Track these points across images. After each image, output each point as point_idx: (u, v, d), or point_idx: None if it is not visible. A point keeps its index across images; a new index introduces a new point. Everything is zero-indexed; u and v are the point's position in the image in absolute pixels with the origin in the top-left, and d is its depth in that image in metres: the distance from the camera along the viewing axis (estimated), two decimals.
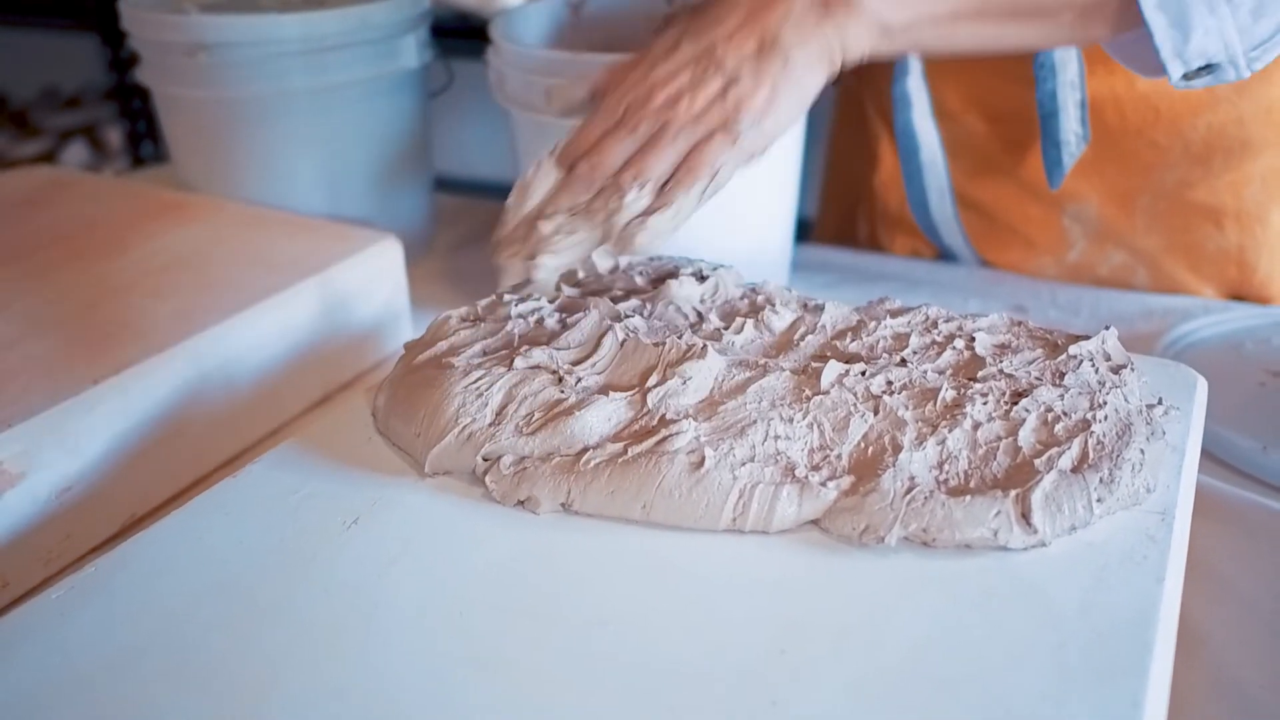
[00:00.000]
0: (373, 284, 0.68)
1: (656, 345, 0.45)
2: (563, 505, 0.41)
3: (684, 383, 0.44)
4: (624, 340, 0.46)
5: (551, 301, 0.51)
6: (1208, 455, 0.58)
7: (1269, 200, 0.73)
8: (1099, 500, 0.39)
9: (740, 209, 0.69)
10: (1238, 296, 0.76)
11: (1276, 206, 0.73)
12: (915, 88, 0.76)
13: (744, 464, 0.40)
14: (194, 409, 0.57)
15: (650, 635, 0.36)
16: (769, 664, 0.34)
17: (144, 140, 1.92)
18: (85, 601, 0.38)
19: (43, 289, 0.62)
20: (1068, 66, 0.69)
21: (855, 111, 0.88)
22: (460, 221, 0.93)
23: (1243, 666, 0.43)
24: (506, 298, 0.51)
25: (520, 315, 0.49)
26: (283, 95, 0.75)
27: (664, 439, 0.41)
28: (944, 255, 0.83)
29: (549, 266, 0.48)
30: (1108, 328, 0.49)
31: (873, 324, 0.50)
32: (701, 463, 0.40)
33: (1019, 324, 0.50)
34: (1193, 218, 0.74)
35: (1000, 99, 0.76)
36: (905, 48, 0.52)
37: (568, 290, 0.55)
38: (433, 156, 0.87)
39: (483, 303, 0.51)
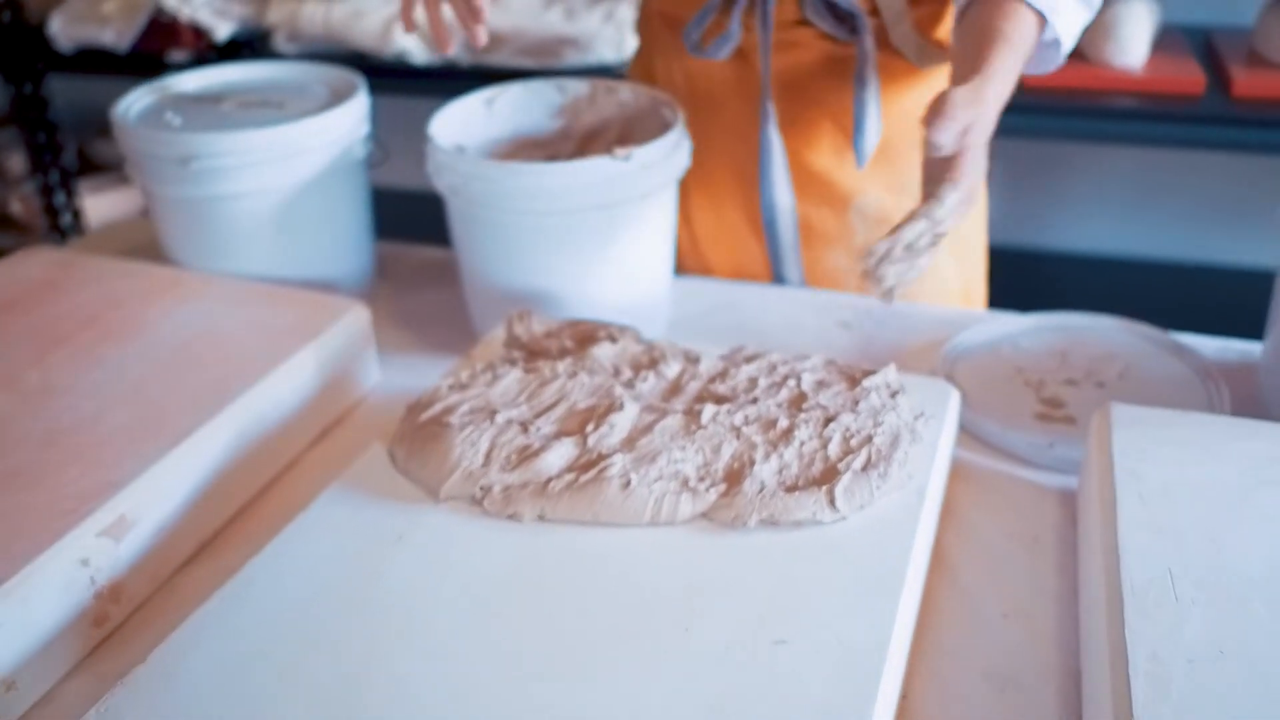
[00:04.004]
0: (351, 343, 0.88)
1: (590, 407, 0.67)
2: (539, 516, 0.63)
3: (611, 429, 0.65)
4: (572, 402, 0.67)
5: (510, 364, 0.72)
6: (970, 435, 0.82)
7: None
8: (878, 488, 0.63)
9: (631, 268, 0.91)
10: (961, 261, 1.05)
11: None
12: (771, 108, 0.98)
13: (656, 481, 0.62)
14: (238, 456, 0.76)
15: (602, 594, 0.58)
16: (681, 606, 0.57)
17: (51, 169, 2.02)
18: (235, 608, 0.58)
19: (96, 370, 0.80)
20: (871, 81, 0.93)
21: None
22: (397, 269, 1.12)
23: (977, 583, 0.68)
24: (480, 369, 0.72)
25: (495, 379, 0.70)
26: (257, 192, 0.92)
27: (603, 469, 0.63)
28: (771, 260, 1.05)
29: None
30: (889, 365, 0.72)
31: (734, 370, 0.72)
32: (629, 484, 0.62)
33: (832, 363, 0.73)
34: None
35: (817, 118, 0.99)
36: None
37: (516, 353, 0.76)
38: (374, 220, 1.06)
39: (464, 374, 0.72)
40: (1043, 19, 0.77)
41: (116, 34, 1.79)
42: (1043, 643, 0.64)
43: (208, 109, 1.00)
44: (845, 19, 0.91)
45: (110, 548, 0.66)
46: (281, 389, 0.80)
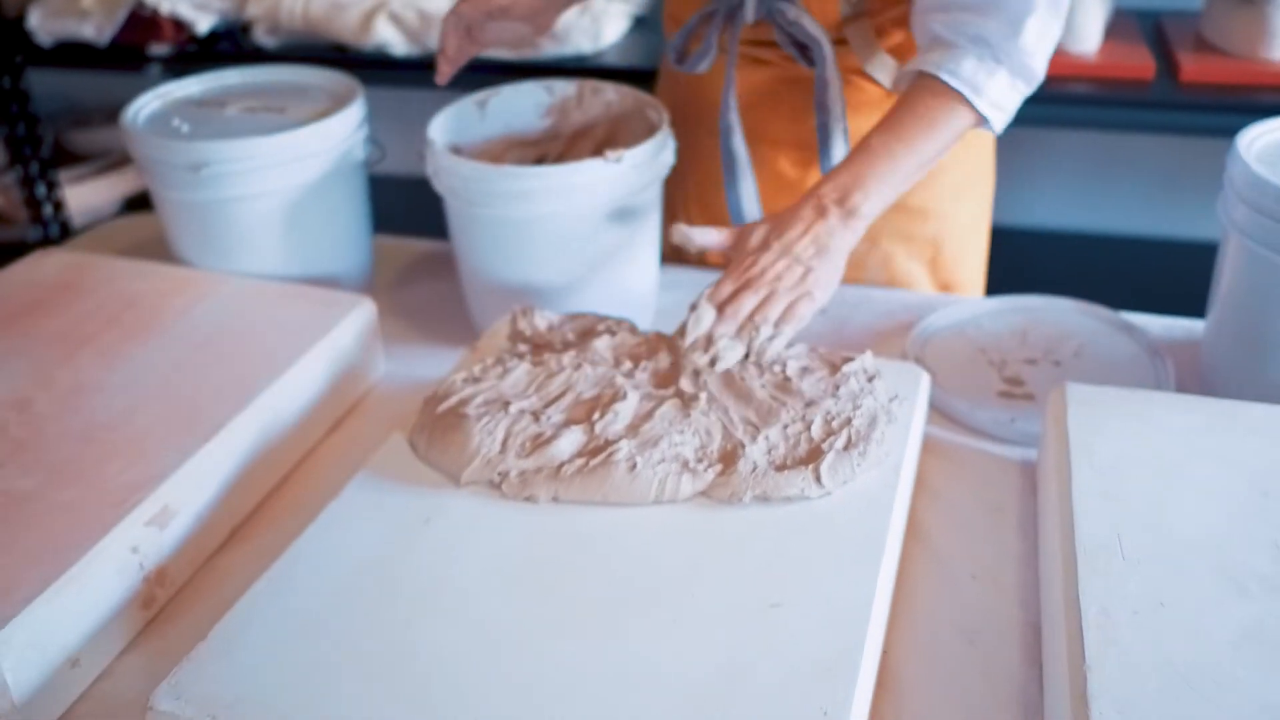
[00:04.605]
0: (359, 337, 0.93)
1: (595, 396, 0.73)
2: (554, 498, 0.69)
3: (615, 416, 0.72)
4: (579, 392, 0.74)
5: (518, 357, 0.78)
6: (940, 412, 0.89)
7: (954, 203, 1.07)
8: (858, 465, 0.69)
9: (621, 261, 0.96)
10: (934, 270, 1.09)
11: (958, 206, 1.07)
12: (734, 120, 1.04)
13: (659, 463, 0.69)
14: (263, 446, 0.82)
15: (613, 566, 0.64)
16: (685, 575, 0.63)
17: (31, 161, 2.04)
18: (284, 587, 0.64)
19: (123, 368, 0.85)
20: (835, 106, 0.98)
21: None
22: (393, 260, 1.17)
23: (948, 548, 0.75)
24: (490, 363, 0.78)
25: (505, 372, 0.76)
26: (264, 194, 0.97)
27: (610, 454, 0.69)
28: None
29: (727, 364, 0.76)
30: (866, 352, 0.79)
31: None
32: (634, 466, 0.68)
33: (814, 351, 0.80)
34: (908, 214, 1.06)
35: (789, 133, 1.05)
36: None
37: (521, 347, 0.82)
38: (372, 215, 1.11)
39: (476, 368, 0.78)
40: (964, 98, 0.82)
41: (96, 28, 1.81)
42: (1007, 600, 0.71)
43: (212, 114, 1.04)
44: (806, 49, 0.96)
45: (156, 536, 0.71)
46: (300, 383, 0.86)
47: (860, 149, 0.84)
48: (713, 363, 0.75)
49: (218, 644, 0.60)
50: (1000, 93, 0.83)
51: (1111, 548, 0.64)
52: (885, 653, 0.66)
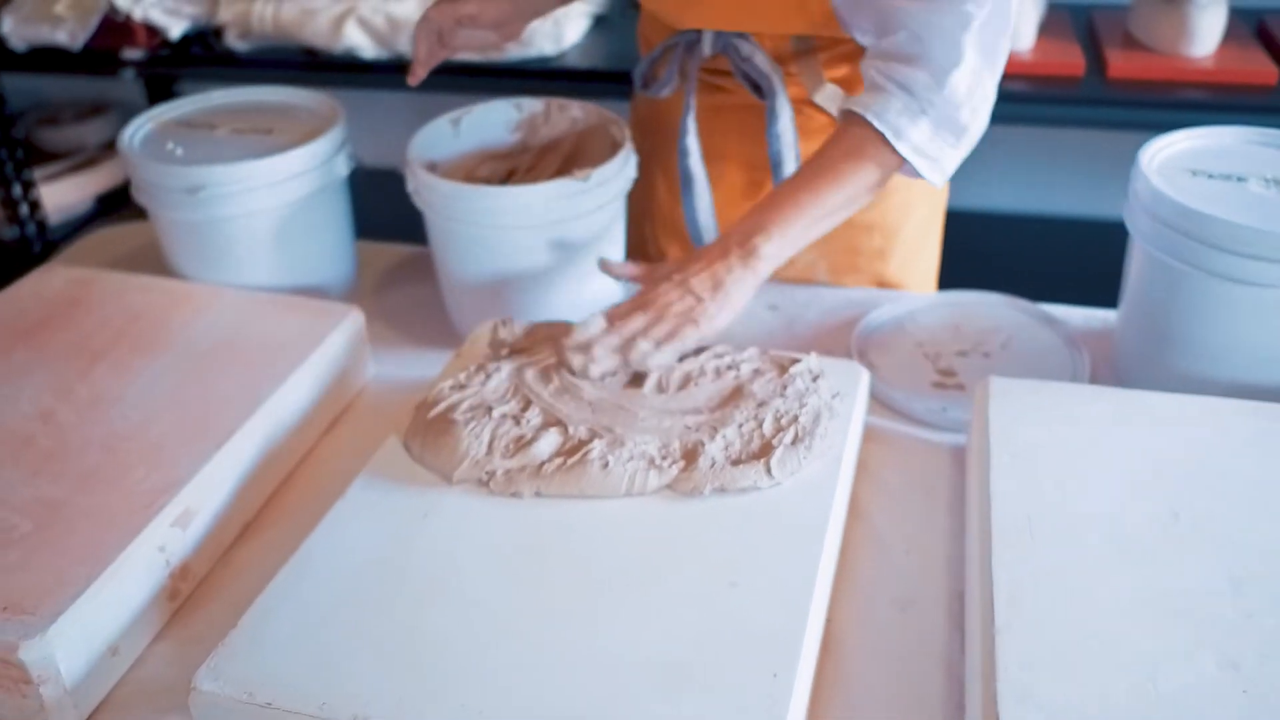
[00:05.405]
0: (351, 344, 1.01)
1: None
2: (536, 493, 0.78)
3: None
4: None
5: (498, 364, 0.87)
6: (880, 403, 0.99)
7: (901, 220, 1.15)
8: (804, 458, 0.79)
9: (589, 269, 1.05)
10: (880, 281, 1.18)
11: (905, 223, 1.15)
12: (692, 144, 1.12)
13: (628, 461, 0.78)
14: (269, 450, 0.90)
15: (591, 553, 0.73)
16: (654, 560, 0.72)
17: (7, 163, 2.08)
18: (301, 579, 0.72)
19: (137, 380, 0.92)
20: (786, 134, 1.06)
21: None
22: (374, 265, 1.25)
23: (885, 526, 0.85)
24: (473, 370, 0.86)
25: (487, 379, 0.85)
26: (256, 213, 1.05)
27: (585, 453, 0.78)
28: None
29: (600, 369, 0.86)
30: (811, 354, 0.88)
31: (686, 359, 0.88)
32: (607, 464, 0.77)
33: (765, 354, 0.89)
34: (855, 230, 1.13)
35: (744, 153, 1.13)
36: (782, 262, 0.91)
37: (500, 354, 0.90)
38: (354, 223, 1.18)
39: (461, 375, 0.86)
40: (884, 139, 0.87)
41: (70, 34, 1.85)
42: (937, 572, 0.81)
43: (203, 136, 1.11)
44: (758, 83, 1.05)
45: (179, 535, 0.80)
46: (299, 389, 0.94)
47: (774, 193, 0.90)
48: (585, 367, 0.85)
49: (248, 631, 0.69)
50: (923, 139, 0.87)
51: (1022, 526, 0.74)
52: (829, 621, 0.76)
